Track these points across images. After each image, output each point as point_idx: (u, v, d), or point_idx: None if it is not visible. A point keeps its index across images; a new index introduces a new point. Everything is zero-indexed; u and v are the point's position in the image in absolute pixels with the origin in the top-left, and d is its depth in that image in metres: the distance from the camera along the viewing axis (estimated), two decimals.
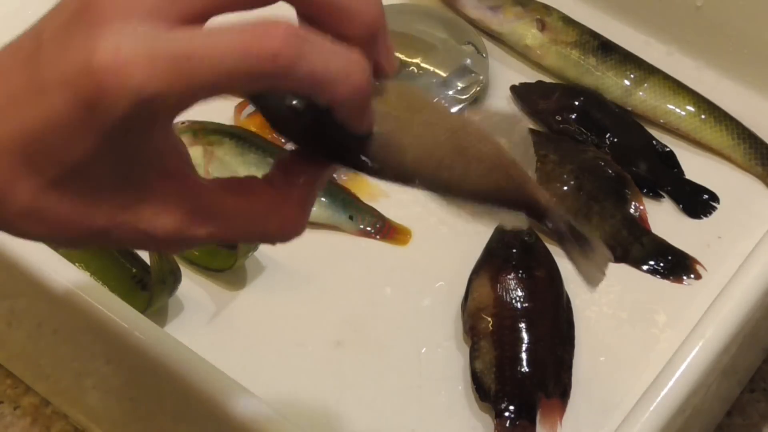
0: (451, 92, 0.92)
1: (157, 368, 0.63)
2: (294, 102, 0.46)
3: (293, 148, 0.49)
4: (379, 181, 0.49)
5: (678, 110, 0.92)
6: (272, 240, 0.48)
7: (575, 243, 0.51)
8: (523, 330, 0.78)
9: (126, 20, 0.39)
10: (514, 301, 0.79)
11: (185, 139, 0.87)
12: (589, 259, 0.51)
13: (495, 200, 0.49)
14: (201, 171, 0.85)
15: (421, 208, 0.87)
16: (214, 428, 0.63)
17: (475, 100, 0.93)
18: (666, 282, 0.84)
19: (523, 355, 0.77)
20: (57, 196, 0.42)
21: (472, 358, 0.78)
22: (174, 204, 0.44)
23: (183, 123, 0.88)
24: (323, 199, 0.85)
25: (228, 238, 0.47)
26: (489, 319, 0.78)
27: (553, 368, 0.77)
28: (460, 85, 0.92)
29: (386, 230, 0.86)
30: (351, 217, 0.86)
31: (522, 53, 0.97)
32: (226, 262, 0.82)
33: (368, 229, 0.86)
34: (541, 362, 0.77)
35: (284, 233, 0.48)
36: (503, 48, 0.98)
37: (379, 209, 0.87)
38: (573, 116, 0.91)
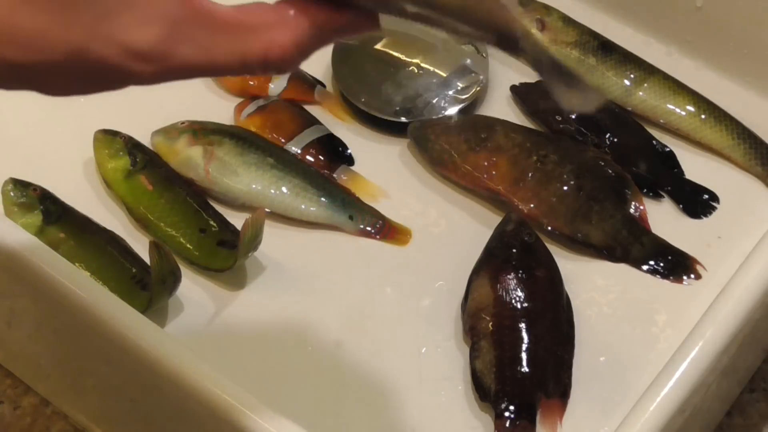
0: (451, 92, 0.92)
1: (156, 368, 0.63)
2: None
3: None
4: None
5: (678, 110, 0.92)
6: (252, 66, 0.45)
7: (561, 78, 0.49)
8: (523, 330, 0.78)
9: None
10: (514, 301, 0.79)
11: (185, 139, 0.87)
12: (577, 94, 0.49)
13: (463, 18, 0.47)
14: (201, 171, 0.85)
15: (422, 208, 0.87)
16: (214, 428, 0.63)
17: (475, 101, 0.93)
18: (666, 282, 0.84)
19: (523, 355, 0.77)
20: (31, 8, 0.41)
21: (472, 358, 0.78)
22: (157, 13, 0.43)
23: (183, 123, 0.88)
24: (323, 199, 0.85)
25: (208, 62, 0.45)
26: (489, 319, 0.78)
27: (553, 368, 0.77)
28: (460, 85, 0.92)
29: (386, 230, 0.86)
30: (351, 217, 0.86)
31: None
32: (226, 262, 0.82)
33: (368, 229, 0.86)
34: (541, 362, 0.77)
35: (267, 58, 0.45)
36: None
37: (379, 209, 0.87)
38: (573, 116, 0.91)
